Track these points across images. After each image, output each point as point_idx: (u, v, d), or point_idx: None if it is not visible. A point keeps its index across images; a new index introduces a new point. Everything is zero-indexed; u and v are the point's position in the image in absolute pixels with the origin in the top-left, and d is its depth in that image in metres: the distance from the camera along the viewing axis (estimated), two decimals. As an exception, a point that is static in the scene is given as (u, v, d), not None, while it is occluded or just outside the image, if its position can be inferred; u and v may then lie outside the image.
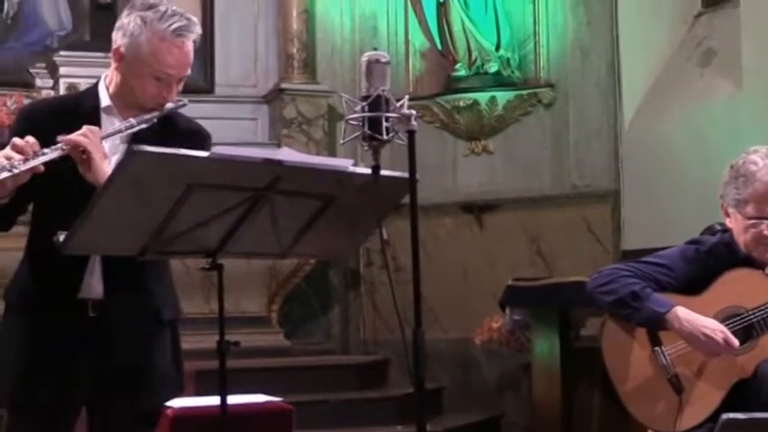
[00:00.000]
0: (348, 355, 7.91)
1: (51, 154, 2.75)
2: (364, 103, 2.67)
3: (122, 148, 2.92)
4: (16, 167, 2.68)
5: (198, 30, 2.97)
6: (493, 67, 7.75)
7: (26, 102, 6.73)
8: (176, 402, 4.01)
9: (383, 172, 2.67)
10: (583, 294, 3.67)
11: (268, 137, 8.01)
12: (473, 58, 7.77)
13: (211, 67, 8.02)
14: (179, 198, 2.52)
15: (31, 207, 3.00)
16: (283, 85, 7.93)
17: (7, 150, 2.73)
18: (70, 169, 2.80)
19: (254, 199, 2.62)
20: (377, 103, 2.67)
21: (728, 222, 3.52)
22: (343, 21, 8.19)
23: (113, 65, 3.00)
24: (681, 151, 6.71)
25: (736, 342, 3.36)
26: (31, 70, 7.52)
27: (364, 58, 2.72)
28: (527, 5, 7.83)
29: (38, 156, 2.72)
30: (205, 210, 2.58)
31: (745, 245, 3.45)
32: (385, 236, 2.75)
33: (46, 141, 2.77)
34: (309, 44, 8.06)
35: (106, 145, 2.91)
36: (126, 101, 2.98)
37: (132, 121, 2.89)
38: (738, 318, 3.42)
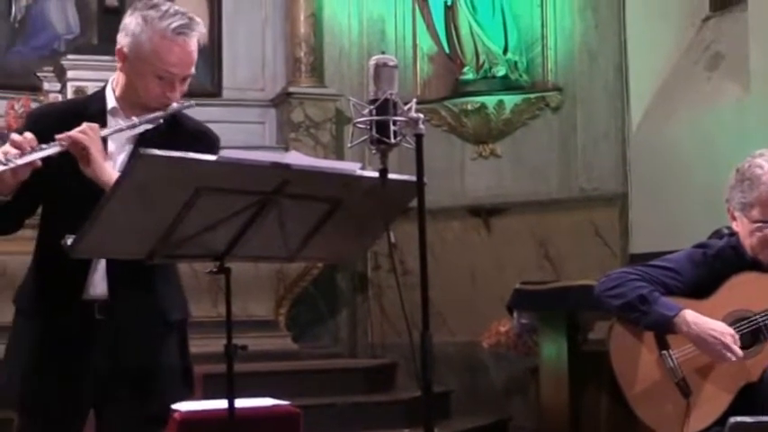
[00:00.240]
0: (356, 359, 7.91)
1: (49, 149, 2.75)
2: (372, 107, 2.67)
3: (129, 147, 2.93)
4: (12, 161, 2.68)
5: (201, 29, 2.96)
6: (500, 71, 7.75)
7: (33, 105, 6.72)
8: (184, 406, 4.01)
9: (391, 175, 2.67)
10: (591, 298, 3.67)
11: (276, 140, 8.02)
12: (481, 61, 7.78)
13: (219, 71, 8.05)
14: (187, 202, 2.51)
15: (39, 210, 3.00)
16: (291, 89, 7.94)
17: (6, 146, 2.74)
18: (71, 166, 2.80)
19: (262, 202, 2.61)
20: (384, 107, 2.67)
21: (735, 226, 3.51)
22: (350, 24, 8.20)
23: (118, 65, 3.00)
24: (688, 155, 6.71)
25: (739, 352, 3.36)
26: (39, 74, 7.52)
27: (372, 62, 2.72)
28: (535, 9, 7.83)
29: (35, 151, 2.73)
30: (213, 213, 2.58)
31: (751, 248, 3.45)
32: (393, 239, 2.75)
33: (53, 145, 2.78)
34: (317, 48, 8.06)
35: (112, 144, 2.92)
36: (131, 102, 2.97)
37: (135, 119, 2.89)
38: (746, 321, 3.42)
